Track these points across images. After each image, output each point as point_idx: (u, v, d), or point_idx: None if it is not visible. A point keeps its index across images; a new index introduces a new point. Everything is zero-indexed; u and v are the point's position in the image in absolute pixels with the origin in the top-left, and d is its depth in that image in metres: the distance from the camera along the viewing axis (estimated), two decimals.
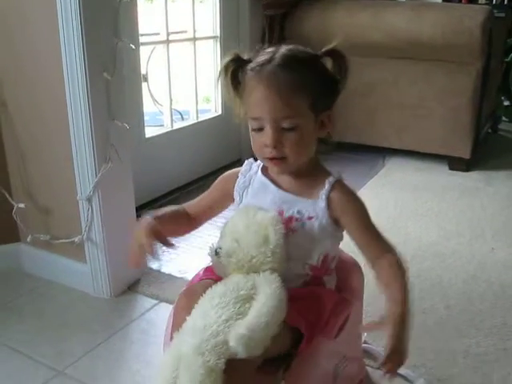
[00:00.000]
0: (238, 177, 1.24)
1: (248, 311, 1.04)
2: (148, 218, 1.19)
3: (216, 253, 1.13)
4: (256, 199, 1.20)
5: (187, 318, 1.08)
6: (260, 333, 0.99)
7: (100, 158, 1.65)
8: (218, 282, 1.13)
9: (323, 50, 1.13)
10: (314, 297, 1.17)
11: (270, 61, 1.09)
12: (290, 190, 1.18)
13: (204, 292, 1.11)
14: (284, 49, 1.12)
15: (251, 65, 1.12)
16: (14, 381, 1.44)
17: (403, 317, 1.04)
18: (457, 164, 2.96)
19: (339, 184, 1.16)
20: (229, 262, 1.12)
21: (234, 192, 1.24)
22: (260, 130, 1.10)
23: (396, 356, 0.99)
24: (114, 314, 1.73)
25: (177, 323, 1.11)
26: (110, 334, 1.62)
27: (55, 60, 1.58)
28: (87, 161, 1.64)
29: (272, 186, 1.19)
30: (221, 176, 1.30)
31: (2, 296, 1.81)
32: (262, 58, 1.11)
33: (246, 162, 1.26)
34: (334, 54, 1.13)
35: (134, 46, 1.67)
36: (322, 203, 1.14)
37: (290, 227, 1.14)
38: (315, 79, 1.09)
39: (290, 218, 1.15)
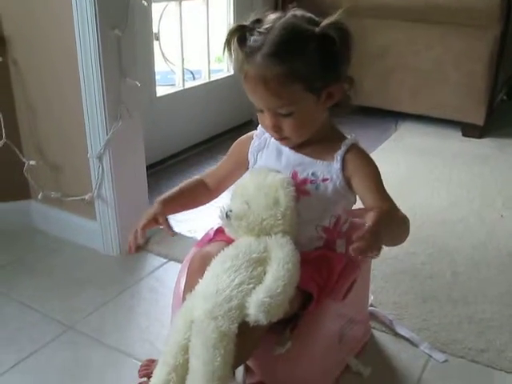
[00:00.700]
0: (252, 139, 1.25)
1: (261, 275, 1.04)
2: (155, 204, 1.25)
3: (227, 216, 1.13)
4: (270, 161, 1.20)
5: (200, 280, 1.09)
6: (279, 298, 0.99)
7: (111, 116, 1.64)
8: (230, 245, 1.13)
9: (323, 23, 1.07)
10: (324, 259, 1.18)
11: (259, 48, 1.05)
12: (304, 152, 1.17)
13: (217, 254, 1.11)
14: (279, 25, 1.06)
15: (247, 43, 1.07)
16: (25, 335, 1.46)
17: (388, 213, 1.04)
18: (470, 130, 2.93)
19: (355, 147, 1.16)
20: (239, 225, 1.12)
21: (249, 154, 1.24)
22: (261, 111, 1.12)
23: (371, 237, 0.94)
24: (124, 271, 1.75)
25: (190, 285, 1.13)
26: (119, 291, 1.65)
27: (66, 17, 1.56)
28: (98, 119, 1.64)
29: (287, 149, 1.19)
30: (235, 142, 1.30)
31: (14, 252, 1.83)
32: (255, 37, 1.06)
33: (259, 127, 1.25)
34: (334, 26, 1.06)
35: (146, 3, 1.65)
36: (337, 164, 1.14)
37: (304, 189, 1.15)
38: (307, 64, 1.04)
39: (304, 180, 1.15)
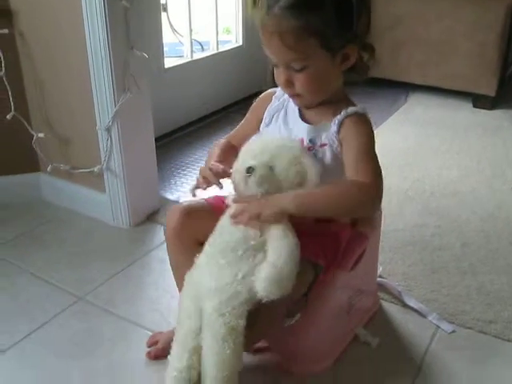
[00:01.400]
0: (271, 100, 1.24)
1: (263, 260, 1.02)
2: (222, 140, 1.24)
3: (248, 170, 1.07)
4: (285, 124, 1.20)
5: (193, 272, 1.10)
6: (285, 270, 0.98)
7: (119, 87, 1.63)
8: (222, 228, 1.09)
9: None
10: (330, 233, 1.18)
11: (278, 0, 1.04)
12: (311, 120, 1.17)
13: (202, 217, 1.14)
14: None
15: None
16: (36, 306, 1.48)
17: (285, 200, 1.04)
18: (481, 101, 2.90)
19: (357, 114, 1.13)
20: (258, 186, 1.07)
21: (266, 112, 1.24)
22: (276, 65, 1.11)
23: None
24: (133, 243, 1.76)
25: (173, 245, 1.19)
26: (129, 262, 1.66)
27: None
28: (106, 91, 1.63)
29: (297, 116, 1.18)
30: (257, 99, 1.29)
31: (24, 224, 1.85)
32: None
33: (277, 90, 1.25)
34: None
35: None
36: (334, 127, 1.12)
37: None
38: (324, 20, 1.03)
39: (306, 148, 1.14)
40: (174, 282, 1.36)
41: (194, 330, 1.06)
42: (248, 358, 1.25)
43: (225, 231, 1.08)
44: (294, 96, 1.14)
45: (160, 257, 1.68)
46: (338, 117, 1.12)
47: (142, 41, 1.67)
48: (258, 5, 1.08)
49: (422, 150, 2.40)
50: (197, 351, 1.06)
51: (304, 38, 1.04)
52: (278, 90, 1.24)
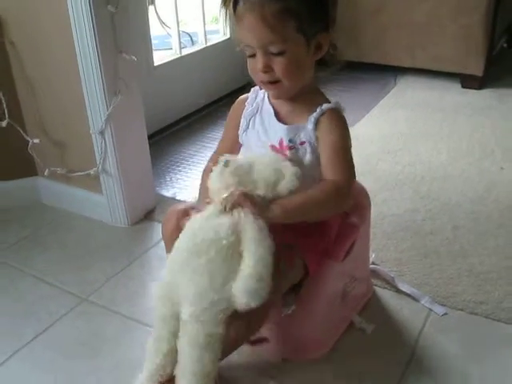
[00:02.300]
0: (245, 105, 1.28)
1: (239, 262, 1.02)
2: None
3: (225, 162, 1.11)
4: (263, 128, 1.23)
5: (167, 275, 1.10)
6: (263, 282, 0.99)
7: (110, 91, 1.67)
8: (192, 226, 1.09)
9: None
10: (319, 224, 1.22)
11: None
12: (287, 120, 1.20)
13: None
14: None
15: None
16: (41, 308, 1.52)
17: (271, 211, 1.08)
18: (469, 82, 2.92)
19: (332, 111, 1.18)
20: (231, 177, 1.10)
21: (242, 118, 1.27)
22: (253, 55, 1.14)
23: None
24: (132, 241, 1.81)
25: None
26: (129, 261, 1.70)
27: None
28: (97, 95, 1.66)
29: (273, 118, 1.21)
30: (231, 109, 1.33)
31: (25, 228, 1.89)
32: None
33: (252, 89, 1.29)
34: None
35: None
36: (310, 125, 1.17)
37: (287, 157, 1.17)
38: (301, 3, 1.09)
39: (285, 148, 1.18)
40: None
41: (169, 334, 1.08)
42: (247, 350, 1.30)
43: (196, 232, 1.06)
44: (272, 84, 1.16)
45: (159, 254, 1.72)
46: (314, 114, 1.16)
47: (130, 43, 1.70)
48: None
49: (413, 134, 2.43)
50: (171, 353, 1.08)
51: (284, 20, 1.08)
52: (250, 94, 1.28)
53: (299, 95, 1.19)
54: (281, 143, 1.18)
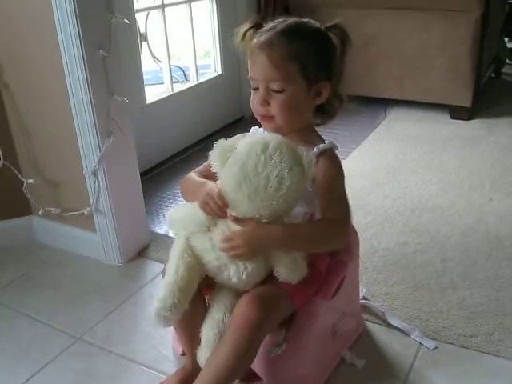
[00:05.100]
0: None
1: None
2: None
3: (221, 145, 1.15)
4: None
5: None
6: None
7: (102, 133, 1.70)
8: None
9: (328, 24, 1.22)
10: (311, 266, 1.24)
11: (273, 28, 1.20)
12: None
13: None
14: (291, 20, 1.23)
15: (260, 30, 1.22)
16: (36, 348, 1.53)
17: (279, 232, 1.13)
18: (458, 113, 2.98)
19: (327, 152, 1.23)
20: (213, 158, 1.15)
21: None
22: (256, 89, 1.22)
23: (238, 239, 1.11)
24: (126, 279, 1.82)
25: None
26: (123, 299, 1.71)
27: (53, 41, 1.62)
28: (90, 137, 1.70)
29: None
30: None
31: (20, 267, 1.90)
32: (269, 25, 1.22)
33: (251, 129, 1.35)
34: (335, 28, 1.22)
35: (128, 21, 1.70)
36: None
37: None
38: (309, 50, 1.18)
39: None
40: None
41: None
42: None
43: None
44: (267, 118, 1.23)
45: (152, 292, 1.73)
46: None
47: (122, 85, 1.74)
48: (246, 37, 1.23)
49: (403, 167, 2.47)
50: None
51: (289, 61, 1.17)
52: (251, 131, 1.34)
53: (295, 133, 1.23)
54: None
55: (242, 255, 1.13)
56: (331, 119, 1.29)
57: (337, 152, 1.27)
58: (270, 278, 1.19)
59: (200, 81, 2.84)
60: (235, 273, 1.16)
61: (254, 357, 1.16)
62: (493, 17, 2.95)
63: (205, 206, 1.15)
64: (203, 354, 1.20)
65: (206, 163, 1.38)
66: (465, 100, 2.91)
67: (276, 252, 1.14)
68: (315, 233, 1.17)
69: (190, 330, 1.27)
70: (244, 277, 1.16)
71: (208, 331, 1.20)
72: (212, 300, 1.24)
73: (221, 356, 1.13)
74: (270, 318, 1.14)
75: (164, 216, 2.18)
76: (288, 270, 1.15)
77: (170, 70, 2.67)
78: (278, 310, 1.18)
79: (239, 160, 1.10)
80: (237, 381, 1.31)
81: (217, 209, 1.13)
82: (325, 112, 1.28)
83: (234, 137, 1.25)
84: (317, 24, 1.24)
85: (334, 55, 1.22)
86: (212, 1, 2.80)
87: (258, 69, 1.20)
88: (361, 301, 1.57)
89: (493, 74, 3.65)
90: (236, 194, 1.10)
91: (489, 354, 1.41)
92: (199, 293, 1.24)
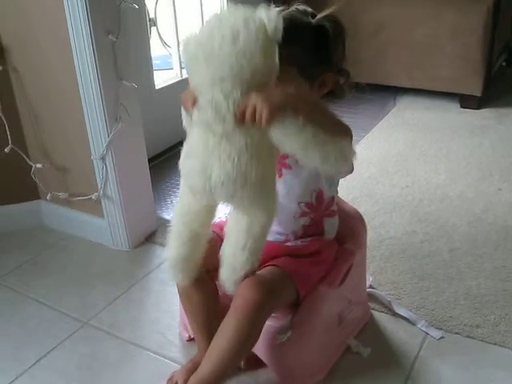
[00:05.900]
0: None
1: None
2: None
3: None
4: None
5: None
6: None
7: (111, 118, 1.70)
8: None
9: (318, 16, 1.16)
10: (314, 253, 1.24)
11: None
12: None
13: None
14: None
15: None
16: (43, 332, 1.55)
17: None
18: (468, 102, 2.95)
19: None
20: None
21: None
22: None
23: (255, 99, 0.98)
24: (133, 265, 1.83)
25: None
26: (130, 284, 1.72)
27: (62, 26, 1.61)
28: (99, 122, 1.70)
29: None
30: None
31: (27, 252, 1.91)
32: None
33: None
34: (329, 19, 1.15)
35: (137, 6, 1.69)
36: None
37: (285, 163, 1.20)
38: (303, 53, 1.12)
39: (284, 155, 1.19)
40: (173, 302, 1.42)
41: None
42: (240, 374, 1.33)
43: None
44: None
45: (159, 278, 1.74)
46: None
47: (131, 71, 1.74)
48: None
49: (411, 156, 2.45)
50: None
51: (286, 65, 1.08)
52: None
53: None
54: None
55: (266, 114, 0.97)
56: (344, 96, 1.25)
57: None
58: (271, 263, 1.19)
59: None
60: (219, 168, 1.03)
61: (256, 338, 1.16)
62: (504, 5, 2.92)
63: (184, 103, 1.12)
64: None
65: None
66: (475, 89, 2.89)
67: None
68: (333, 117, 1.09)
69: (200, 320, 1.28)
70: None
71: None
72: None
73: (224, 338, 1.12)
74: (271, 299, 1.13)
75: (172, 202, 2.18)
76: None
77: (179, 56, 2.66)
78: (280, 293, 1.18)
79: (197, 41, 1.02)
80: (243, 367, 1.33)
81: (190, 96, 1.07)
82: (335, 96, 1.24)
83: None
84: (309, 16, 1.16)
85: (331, 46, 1.16)
86: None
87: None
88: (367, 289, 1.57)
89: (504, 63, 3.61)
90: (195, 68, 1.02)
91: (495, 344, 1.41)
92: (210, 280, 1.24)
